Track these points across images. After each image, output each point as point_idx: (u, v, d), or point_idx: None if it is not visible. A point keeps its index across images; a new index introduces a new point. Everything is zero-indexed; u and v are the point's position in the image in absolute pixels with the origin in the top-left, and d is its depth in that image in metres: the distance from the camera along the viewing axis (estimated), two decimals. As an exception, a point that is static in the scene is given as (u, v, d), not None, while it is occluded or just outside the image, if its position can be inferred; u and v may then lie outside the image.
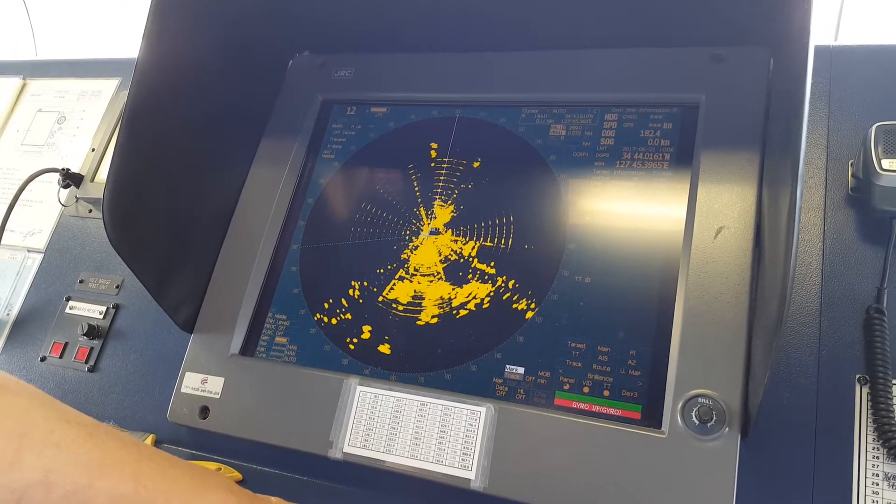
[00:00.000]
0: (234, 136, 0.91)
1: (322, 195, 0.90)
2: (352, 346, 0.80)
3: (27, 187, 0.97)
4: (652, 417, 0.66)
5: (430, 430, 0.71)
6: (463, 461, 0.68)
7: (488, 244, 0.80)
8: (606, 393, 0.69)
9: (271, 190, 0.90)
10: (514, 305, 0.76)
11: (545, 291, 0.75)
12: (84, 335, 0.92)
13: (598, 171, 0.79)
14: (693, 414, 0.63)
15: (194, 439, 0.82)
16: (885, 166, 0.65)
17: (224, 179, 0.91)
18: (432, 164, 0.86)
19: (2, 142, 1.18)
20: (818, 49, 0.75)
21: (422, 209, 0.84)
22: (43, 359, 0.94)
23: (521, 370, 0.73)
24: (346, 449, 0.72)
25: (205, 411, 0.79)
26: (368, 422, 0.73)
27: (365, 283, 0.83)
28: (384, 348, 0.79)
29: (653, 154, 0.77)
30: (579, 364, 0.71)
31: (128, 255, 0.75)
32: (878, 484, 0.61)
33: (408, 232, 0.84)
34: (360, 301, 0.82)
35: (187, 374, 0.82)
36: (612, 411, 0.68)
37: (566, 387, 0.71)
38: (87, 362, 0.91)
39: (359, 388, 0.75)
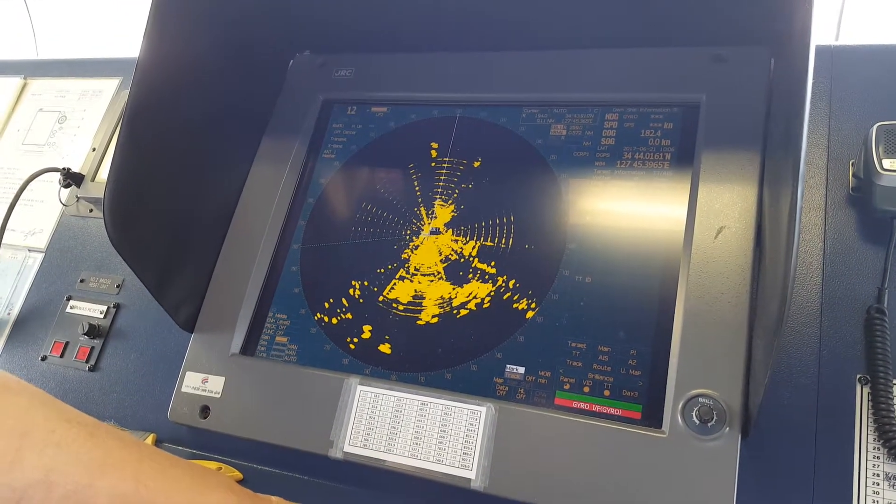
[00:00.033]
0: (234, 135, 0.91)
1: (322, 195, 0.90)
2: (352, 346, 0.80)
3: (28, 187, 0.97)
4: (652, 417, 0.66)
5: (430, 429, 0.71)
6: (463, 461, 0.68)
7: (489, 244, 0.80)
8: (607, 393, 0.69)
9: (272, 189, 0.90)
10: (515, 305, 0.76)
11: (546, 291, 0.75)
12: (85, 334, 0.92)
13: (599, 170, 0.78)
14: (693, 414, 0.63)
15: (195, 439, 0.82)
16: (886, 166, 0.65)
17: (225, 179, 0.91)
18: (433, 164, 0.86)
19: (3, 141, 1.18)
20: (819, 49, 0.75)
21: (422, 209, 0.84)
22: (44, 358, 0.94)
23: (521, 370, 0.73)
24: (347, 448, 0.72)
25: (205, 411, 0.79)
26: (369, 421, 0.73)
27: (365, 283, 0.83)
28: (384, 348, 0.79)
29: (653, 154, 0.77)
30: (580, 364, 0.71)
31: (128, 254, 0.76)
32: (878, 484, 0.61)
33: (408, 231, 0.84)
34: (361, 301, 0.82)
35: (188, 373, 0.82)
36: (612, 411, 0.68)
37: (566, 386, 0.71)
38: (87, 362, 0.92)
39: (359, 387, 0.75)
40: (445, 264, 0.80)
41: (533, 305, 0.75)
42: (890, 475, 0.61)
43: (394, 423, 0.72)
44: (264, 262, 0.87)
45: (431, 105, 0.90)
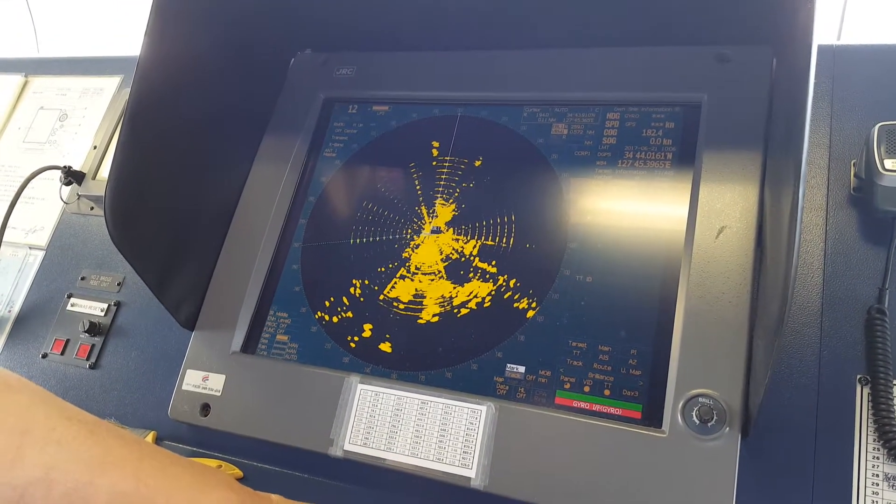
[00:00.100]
0: (235, 134, 0.91)
1: (323, 193, 0.90)
2: (353, 345, 0.80)
3: (29, 185, 0.97)
4: (652, 417, 0.66)
5: (430, 428, 0.71)
6: (463, 459, 0.68)
7: (489, 243, 0.80)
8: (607, 392, 0.69)
9: (273, 188, 0.90)
10: (515, 304, 0.76)
11: (546, 290, 0.75)
12: (85, 332, 0.92)
13: (600, 170, 0.78)
14: (694, 413, 0.63)
15: (195, 436, 0.82)
16: (887, 166, 0.65)
17: (225, 177, 0.91)
18: (434, 163, 0.86)
19: (4, 139, 1.18)
20: (821, 48, 0.74)
21: (423, 208, 0.84)
22: (44, 356, 0.94)
23: (521, 369, 0.73)
24: (347, 447, 0.72)
25: (206, 408, 0.79)
26: (369, 420, 0.73)
27: (366, 282, 0.83)
28: (385, 347, 0.79)
29: (655, 153, 0.77)
30: (580, 363, 0.71)
31: (129, 252, 0.76)
32: (878, 484, 0.61)
33: (409, 230, 0.84)
34: (361, 299, 0.82)
35: (188, 371, 0.82)
36: (612, 410, 0.68)
37: (567, 386, 0.71)
38: (88, 359, 0.92)
39: (360, 386, 0.75)
40: (446, 263, 0.80)
41: (534, 305, 0.75)
42: (889, 476, 0.61)
43: (394, 422, 0.72)
44: (265, 260, 0.87)
45: (432, 104, 0.90)
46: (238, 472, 0.77)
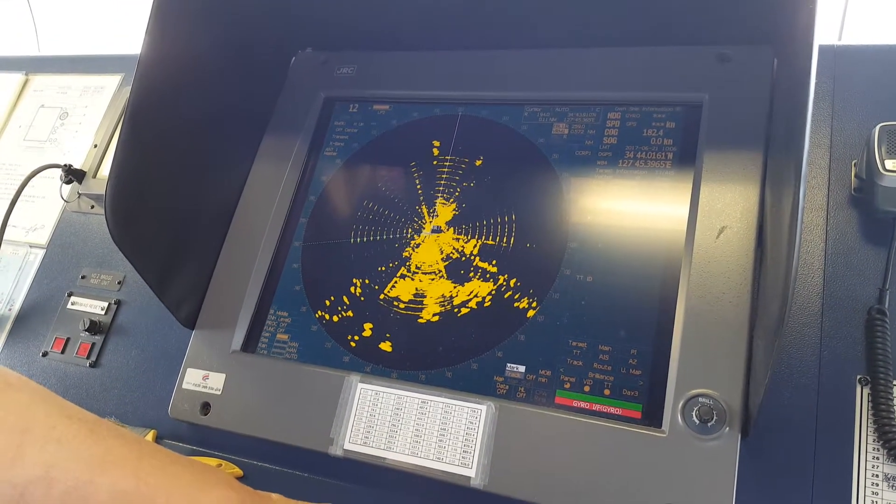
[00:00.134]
0: (236, 132, 0.91)
1: (324, 192, 0.90)
2: (353, 344, 0.80)
3: (29, 183, 0.97)
4: (652, 417, 0.66)
5: (430, 427, 0.71)
6: (463, 459, 0.68)
7: (490, 242, 0.80)
8: (607, 392, 0.69)
9: (273, 187, 0.90)
10: (516, 304, 0.76)
11: (546, 290, 0.75)
12: (86, 331, 0.92)
13: (601, 169, 0.78)
14: (693, 413, 0.63)
15: (195, 435, 0.82)
16: (888, 167, 0.65)
17: (226, 176, 0.91)
18: (434, 162, 0.86)
19: (4, 137, 1.18)
20: (822, 48, 0.74)
21: (423, 207, 0.84)
22: (45, 354, 0.94)
23: (521, 368, 0.73)
24: (347, 446, 0.72)
25: (206, 407, 0.79)
26: (369, 419, 0.73)
27: (366, 281, 0.83)
28: (385, 346, 0.79)
29: (656, 153, 0.77)
30: (580, 363, 0.71)
31: (130, 251, 0.76)
32: (877, 485, 0.61)
33: (409, 230, 0.84)
34: (362, 299, 0.82)
35: (188, 370, 0.82)
36: (612, 410, 0.68)
37: (567, 385, 0.71)
38: (88, 358, 0.92)
39: (360, 385, 0.75)
40: (446, 263, 0.80)
41: (534, 304, 0.75)
42: (889, 476, 0.61)
43: (394, 421, 0.72)
44: (265, 259, 0.87)
45: (433, 103, 0.90)
46: (238, 471, 0.77)
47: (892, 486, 0.61)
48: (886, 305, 0.66)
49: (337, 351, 0.80)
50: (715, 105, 0.75)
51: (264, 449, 0.78)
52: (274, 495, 0.62)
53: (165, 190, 0.81)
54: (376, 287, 0.82)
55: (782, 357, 0.67)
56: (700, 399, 0.64)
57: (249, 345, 0.83)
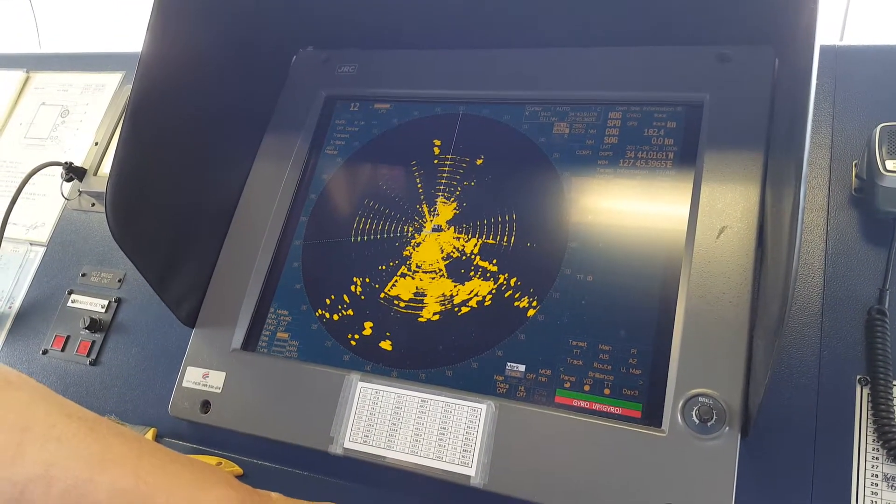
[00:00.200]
0: (237, 131, 0.91)
1: (325, 191, 0.90)
2: (353, 343, 0.80)
3: (30, 181, 0.97)
4: (652, 416, 0.66)
5: (430, 426, 0.71)
6: (463, 458, 0.68)
7: (490, 241, 0.80)
8: (607, 391, 0.69)
9: (274, 185, 0.90)
10: (516, 303, 0.76)
11: (547, 289, 0.75)
12: (86, 329, 0.92)
13: (602, 169, 0.78)
14: (693, 413, 0.63)
15: (195, 433, 0.82)
16: (889, 167, 0.65)
17: (227, 174, 0.91)
18: (435, 161, 0.86)
19: (5, 135, 1.18)
20: (823, 49, 0.74)
21: (424, 206, 0.84)
22: (45, 352, 0.94)
23: (522, 368, 0.73)
24: (347, 445, 0.72)
25: (206, 405, 0.79)
26: (369, 418, 0.73)
27: (367, 280, 0.83)
28: (385, 345, 0.79)
29: (656, 153, 0.77)
30: (580, 362, 0.71)
31: (130, 249, 0.76)
32: (877, 485, 0.61)
33: (410, 229, 0.84)
34: (362, 297, 0.82)
35: (189, 368, 0.82)
36: (612, 410, 0.68)
37: (567, 385, 0.71)
38: (88, 356, 0.92)
39: (360, 384, 0.75)
40: (447, 262, 0.80)
41: (534, 303, 0.75)
42: (889, 476, 0.61)
43: (394, 420, 0.72)
44: (266, 257, 0.87)
45: (434, 102, 0.90)
46: (238, 470, 0.77)
47: (892, 486, 0.61)
48: (886, 306, 0.66)
49: (337, 350, 0.80)
50: (716, 105, 0.75)
51: (264, 447, 0.78)
52: (274, 494, 0.62)
53: (166, 188, 0.81)
54: (377, 286, 0.82)
55: (782, 357, 0.67)
56: (700, 399, 0.64)
57: (250, 343, 0.83)
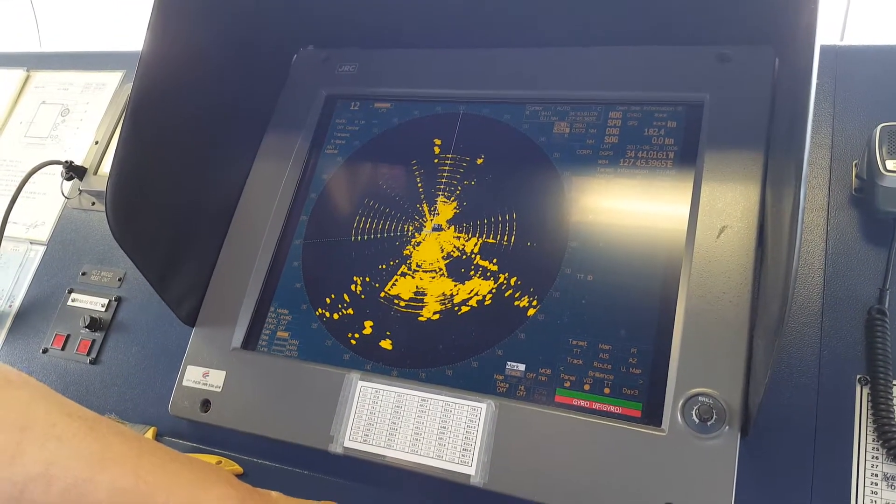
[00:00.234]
0: (237, 130, 0.91)
1: (325, 190, 0.90)
2: (353, 342, 0.80)
3: (30, 179, 0.97)
4: (652, 415, 0.66)
5: (430, 425, 0.71)
6: (463, 457, 0.69)
7: (491, 241, 0.80)
8: (607, 391, 0.69)
9: (274, 184, 0.90)
10: (516, 302, 0.76)
11: (547, 289, 0.75)
12: (86, 327, 0.92)
13: (602, 168, 0.78)
14: (693, 412, 0.63)
15: (195, 432, 0.82)
16: (889, 167, 0.65)
17: (227, 173, 0.91)
18: (436, 161, 0.86)
19: (5, 134, 1.18)
20: (824, 49, 0.74)
21: (424, 205, 0.84)
22: (45, 351, 0.94)
23: (522, 367, 0.73)
24: (347, 444, 0.72)
25: (206, 404, 0.79)
26: (369, 417, 0.73)
27: (367, 279, 0.83)
28: (386, 344, 0.79)
29: (657, 152, 0.77)
30: (580, 362, 0.71)
31: (130, 248, 0.76)
32: (876, 484, 0.61)
33: (410, 228, 0.84)
34: (362, 296, 0.82)
35: (189, 367, 0.82)
36: (612, 409, 0.68)
37: (567, 384, 0.71)
38: (88, 354, 0.92)
39: (360, 383, 0.75)
40: (447, 261, 0.80)
41: (534, 303, 0.75)
42: (888, 475, 0.61)
43: (394, 419, 0.72)
44: (266, 256, 0.87)
45: (435, 101, 0.90)
46: (238, 469, 0.77)
47: (892, 485, 0.61)
48: (886, 305, 0.66)
49: (337, 349, 0.80)
50: (716, 105, 0.75)
51: (264, 446, 0.78)
52: (274, 493, 0.62)
53: (166, 187, 0.81)
54: (377, 285, 0.82)
55: (782, 356, 0.67)
56: (700, 398, 0.64)
57: (250, 342, 0.83)
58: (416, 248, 0.82)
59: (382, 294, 0.81)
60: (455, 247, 0.81)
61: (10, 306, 1.00)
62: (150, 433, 0.82)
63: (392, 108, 0.92)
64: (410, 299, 0.80)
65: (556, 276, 0.75)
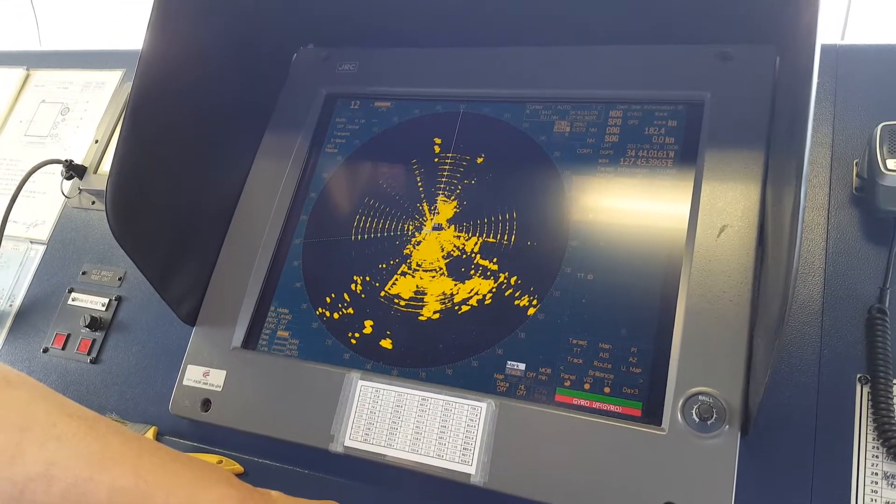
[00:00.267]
0: (237, 128, 0.91)
1: (325, 189, 0.90)
2: (353, 341, 0.80)
3: (30, 178, 0.97)
4: (652, 414, 0.66)
5: (430, 424, 0.71)
6: (463, 456, 0.69)
7: (491, 240, 0.80)
8: (607, 390, 0.69)
9: (274, 183, 0.90)
10: (516, 302, 0.76)
11: (547, 288, 0.75)
12: (86, 327, 0.92)
13: (602, 167, 0.78)
14: (693, 411, 0.63)
15: (196, 432, 0.82)
16: (889, 166, 0.65)
17: (227, 173, 0.91)
18: (436, 160, 0.86)
19: (5, 133, 1.18)
20: (824, 48, 0.74)
21: (425, 204, 0.84)
22: (45, 350, 0.94)
23: (522, 366, 0.73)
24: (347, 443, 0.72)
25: (206, 404, 0.79)
26: (369, 416, 0.73)
27: (367, 278, 0.83)
28: (386, 343, 0.79)
29: (657, 151, 0.77)
30: (580, 361, 0.71)
31: (130, 247, 0.76)
32: (876, 483, 0.61)
33: (410, 227, 0.84)
34: (363, 296, 0.82)
35: (189, 366, 0.82)
36: (612, 408, 0.68)
37: (567, 383, 0.71)
38: (89, 354, 0.92)
39: (360, 382, 0.75)
40: (447, 260, 0.80)
41: (534, 302, 0.75)
42: (888, 474, 0.61)
43: (394, 418, 0.72)
44: (266, 256, 0.87)
45: (435, 100, 0.90)
46: (238, 468, 0.77)
47: (892, 484, 0.61)
48: (887, 304, 0.66)
49: (337, 348, 0.80)
50: (717, 104, 0.75)
51: (265, 445, 0.78)
52: (274, 492, 0.62)
53: (166, 186, 0.81)
54: (377, 284, 0.82)
55: (782, 356, 0.67)
56: (700, 397, 0.64)
57: (250, 341, 0.83)
58: (417, 247, 0.82)
59: (382, 293, 0.81)
60: (455, 246, 0.81)
61: (11, 306, 1.00)
62: (150, 433, 0.82)
63: (392, 106, 0.92)
64: (410, 299, 0.80)
65: (557, 275, 0.75)
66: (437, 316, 0.78)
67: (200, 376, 0.81)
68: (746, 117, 0.73)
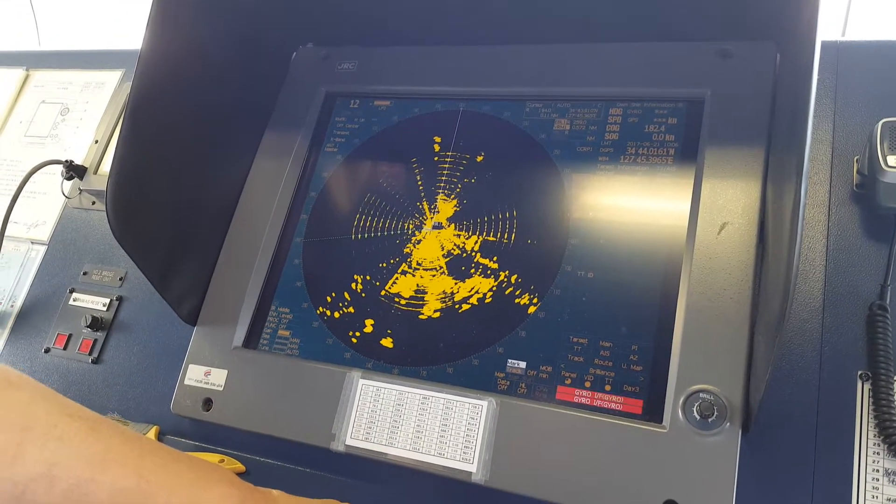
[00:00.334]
0: (237, 128, 0.91)
1: (325, 188, 0.90)
2: (354, 340, 0.80)
3: (30, 179, 0.97)
4: (653, 412, 0.66)
5: (431, 423, 0.71)
6: (464, 454, 0.69)
7: (491, 238, 0.80)
8: (608, 388, 0.69)
9: (274, 183, 0.90)
10: (517, 300, 0.76)
11: (548, 286, 0.75)
12: (88, 327, 0.93)
13: (602, 165, 0.78)
14: (694, 409, 0.63)
15: (197, 431, 0.82)
16: (890, 163, 0.65)
17: (227, 172, 0.91)
18: (436, 158, 0.86)
19: (5, 133, 1.18)
20: (825, 44, 0.74)
21: (425, 203, 0.84)
22: (47, 350, 0.94)
23: (522, 364, 0.73)
24: (349, 441, 0.72)
25: (208, 403, 0.80)
26: (371, 415, 0.73)
27: (368, 277, 0.83)
28: (386, 342, 0.79)
29: (657, 149, 0.77)
30: (581, 359, 0.71)
31: (131, 247, 0.76)
32: (878, 480, 0.61)
33: (411, 226, 0.84)
34: (363, 295, 0.82)
35: (190, 366, 0.82)
36: (613, 406, 0.68)
37: (568, 381, 0.71)
38: (90, 354, 0.92)
39: (361, 381, 0.75)
40: (447, 259, 0.80)
41: (535, 300, 0.75)
42: (889, 471, 0.61)
43: (395, 417, 0.72)
44: (267, 255, 0.87)
45: (434, 99, 0.90)
46: (240, 467, 0.78)
47: (893, 481, 0.61)
48: (888, 301, 0.66)
49: (338, 347, 0.80)
50: (717, 101, 0.75)
51: (266, 445, 0.78)
52: (275, 491, 0.62)
53: (166, 186, 0.81)
54: (377, 283, 0.82)
55: (783, 353, 0.67)
56: (701, 395, 0.64)
57: (251, 341, 0.84)
58: (417, 246, 0.82)
59: (383, 292, 0.81)
60: (455, 244, 0.81)
61: (12, 306, 1.00)
62: (152, 432, 0.82)
63: (392, 105, 0.92)
64: (411, 297, 0.80)
65: (557, 273, 0.75)
66: (437, 315, 0.78)
67: (202, 376, 0.81)
68: (747, 114, 0.73)
